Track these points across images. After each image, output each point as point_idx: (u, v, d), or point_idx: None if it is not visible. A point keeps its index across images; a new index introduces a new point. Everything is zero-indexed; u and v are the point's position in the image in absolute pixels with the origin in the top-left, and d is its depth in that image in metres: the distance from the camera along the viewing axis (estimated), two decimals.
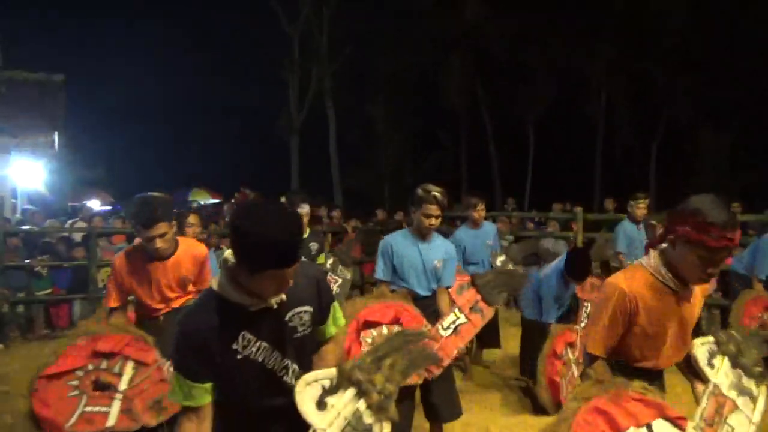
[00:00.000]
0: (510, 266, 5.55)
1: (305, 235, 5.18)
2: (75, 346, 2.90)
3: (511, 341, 6.60)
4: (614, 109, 21.41)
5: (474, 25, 20.61)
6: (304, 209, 5.16)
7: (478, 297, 3.42)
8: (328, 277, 5.06)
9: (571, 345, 4.67)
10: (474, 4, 20.69)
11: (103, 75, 24.78)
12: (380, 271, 3.48)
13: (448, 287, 3.56)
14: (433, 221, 3.36)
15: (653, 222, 6.27)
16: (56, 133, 10.52)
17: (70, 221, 8.93)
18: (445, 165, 23.93)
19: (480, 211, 5.43)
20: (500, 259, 5.61)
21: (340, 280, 5.31)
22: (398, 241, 3.47)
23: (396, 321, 3.20)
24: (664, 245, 1.94)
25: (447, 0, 21.05)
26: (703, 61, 18.37)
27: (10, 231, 7.57)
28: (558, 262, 4.73)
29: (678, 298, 1.96)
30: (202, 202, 15.12)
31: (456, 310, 3.40)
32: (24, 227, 8.11)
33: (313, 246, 5.30)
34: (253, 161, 25.74)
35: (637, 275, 1.96)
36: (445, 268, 3.49)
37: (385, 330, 3.16)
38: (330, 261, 5.39)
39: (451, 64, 21.04)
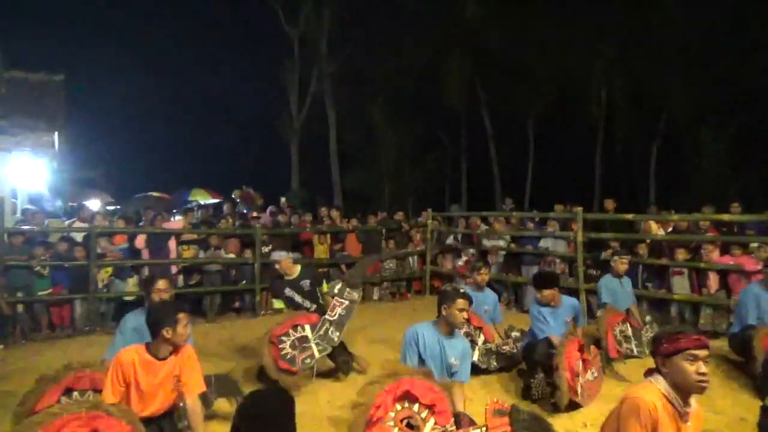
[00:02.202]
0: (512, 344, 5.72)
1: (295, 276, 5.78)
2: (76, 416, 2.86)
3: None
4: (614, 109, 21.40)
5: (474, 25, 20.60)
6: (282, 255, 5.99)
7: (508, 430, 3.41)
8: (333, 302, 5.47)
9: (579, 351, 4.81)
10: (474, 4, 20.69)
11: (103, 75, 24.78)
12: (407, 360, 3.72)
13: (462, 382, 3.81)
14: (466, 314, 3.72)
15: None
16: (56, 133, 10.51)
17: (68, 221, 8.89)
18: (444, 165, 23.92)
19: (483, 275, 5.91)
20: (515, 333, 5.83)
21: (346, 302, 5.48)
22: (426, 333, 3.75)
23: (431, 407, 3.39)
24: (657, 374, 2.24)
25: (447, 0, 21.05)
26: (703, 61, 18.35)
27: (12, 230, 7.57)
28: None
29: (682, 419, 2.17)
30: (202, 202, 15.12)
31: (484, 428, 3.42)
32: (25, 227, 8.11)
33: (305, 283, 5.75)
34: (253, 161, 25.75)
35: (652, 391, 2.19)
36: (462, 366, 3.77)
37: (416, 407, 3.38)
38: (338, 286, 5.65)
39: (451, 64, 21.03)
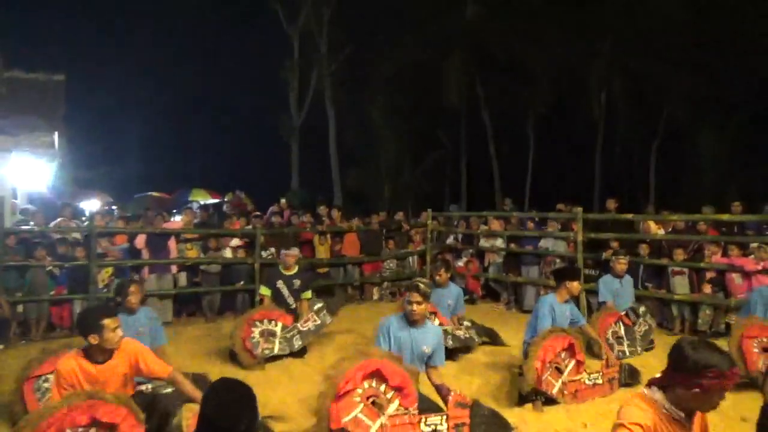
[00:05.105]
0: (475, 335, 6.43)
1: (292, 273, 6.57)
2: (74, 407, 3.00)
3: (509, 339, 6.64)
4: (614, 109, 21.39)
5: (473, 24, 20.59)
6: (293, 251, 6.71)
7: (467, 422, 3.71)
8: (309, 316, 6.22)
9: (567, 350, 4.86)
10: (473, 4, 20.68)
11: (103, 75, 24.79)
12: (381, 344, 3.90)
13: (438, 366, 4.00)
14: (415, 308, 3.81)
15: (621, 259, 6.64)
16: (56, 132, 10.50)
17: (53, 222, 8.78)
18: (444, 164, 23.90)
19: (442, 275, 6.34)
20: (466, 323, 6.49)
21: (319, 322, 6.20)
22: (394, 324, 3.95)
23: (398, 389, 3.57)
24: (655, 388, 2.11)
25: None
26: (703, 61, 18.33)
27: (12, 230, 7.57)
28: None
29: (687, 426, 2.09)
30: (201, 202, 15.12)
31: (444, 417, 3.68)
32: (25, 227, 8.10)
33: (296, 282, 6.48)
34: (253, 161, 25.78)
35: (647, 409, 2.07)
36: (435, 353, 3.95)
37: (383, 387, 3.56)
38: (318, 305, 6.34)
39: (451, 63, 21.00)
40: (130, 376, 3.44)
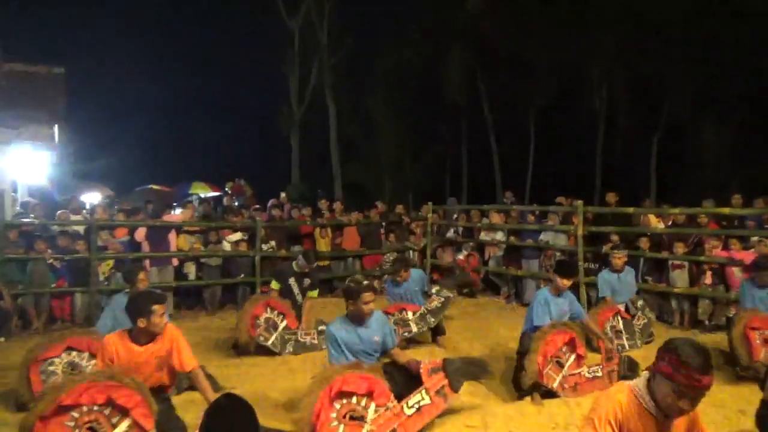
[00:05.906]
0: (447, 292, 6.58)
1: (305, 272, 6.62)
2: (94, 384, 3.12)
3: (509, 332, 6.64)
4: (615, 103, 21.34)
5: (475, 18, 20.52)
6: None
7: (445, 382, 3.79)
8: (312, 331, 6.31)
9: (568, 344, 4.85)
10: None
11: (104, 68, 24.72)
12: (334, 360, 3.87)
13: (394, 347, 4.10)
14: (372, 306, 3.88)
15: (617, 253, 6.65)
16: (56, 125, 10.50)
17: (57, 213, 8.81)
18: (445, 158, 23.89)
19: (402, 275, 6.44)
20: (435, 289, 6.64)
21: (316, 342, 6.24)
22: (340, 330, 3.91)
23: (369, 394, 3.58)
24: (644, 374, 2.14)
25: None
26: (704, 56, 18.27)
27: (11, 224, 7.57)
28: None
29: (659, 426, 2.07)
30: (202, 195, 15.11)
31: (423, 391, 3.76)
32: (25, 219, 8.11)
33: (306, 281, 6.61)
34: (254, 154, 25.71)
35: (624, 391, 2.12)
36: (386, 337, 4.02)
37: (354, 399, 3.55)
38: (322, 327, 6.29)
39: (452, 57, 20.96)
40: (166, 361, 3.55)
